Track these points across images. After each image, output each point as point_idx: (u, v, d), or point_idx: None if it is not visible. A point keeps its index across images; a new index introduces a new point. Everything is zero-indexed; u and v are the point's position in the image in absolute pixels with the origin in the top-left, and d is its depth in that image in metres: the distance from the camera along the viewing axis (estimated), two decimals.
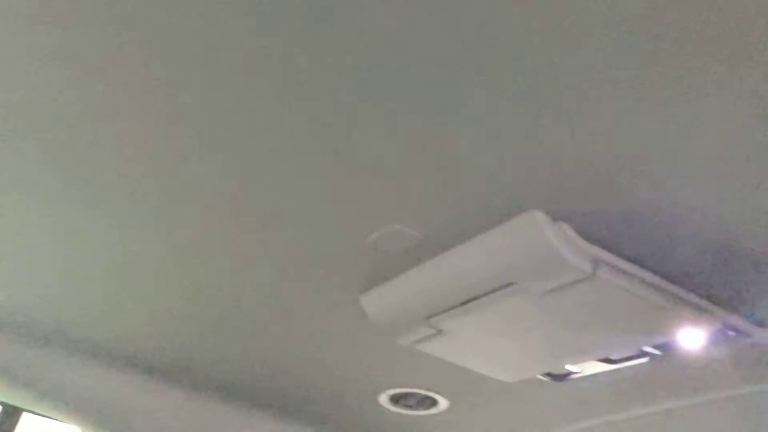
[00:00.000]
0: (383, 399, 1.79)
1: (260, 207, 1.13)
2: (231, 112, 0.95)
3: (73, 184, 1.12)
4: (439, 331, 1.28)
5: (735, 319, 1.21)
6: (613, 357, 1.38)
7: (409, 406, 1.84)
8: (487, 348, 1.34)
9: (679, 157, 0.93)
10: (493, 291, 1.14)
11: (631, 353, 1.34)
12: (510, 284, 1.11)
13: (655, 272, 1.12)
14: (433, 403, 1.80)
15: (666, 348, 1.30)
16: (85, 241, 1.27)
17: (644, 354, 1.35)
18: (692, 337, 1.24)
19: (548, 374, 1.52)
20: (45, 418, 1.88)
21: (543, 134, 0.92)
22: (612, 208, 1.03)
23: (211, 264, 1.31)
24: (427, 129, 0.94)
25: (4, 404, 1.87)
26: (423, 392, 1.76)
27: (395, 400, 1.81)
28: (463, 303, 1.19)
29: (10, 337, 1.60)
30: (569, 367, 1.45)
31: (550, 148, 0.94)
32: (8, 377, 1.63)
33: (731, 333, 1.24)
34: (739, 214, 1.01)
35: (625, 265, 1.08)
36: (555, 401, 1.68)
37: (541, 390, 1.63)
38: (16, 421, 1.99)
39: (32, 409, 1.81)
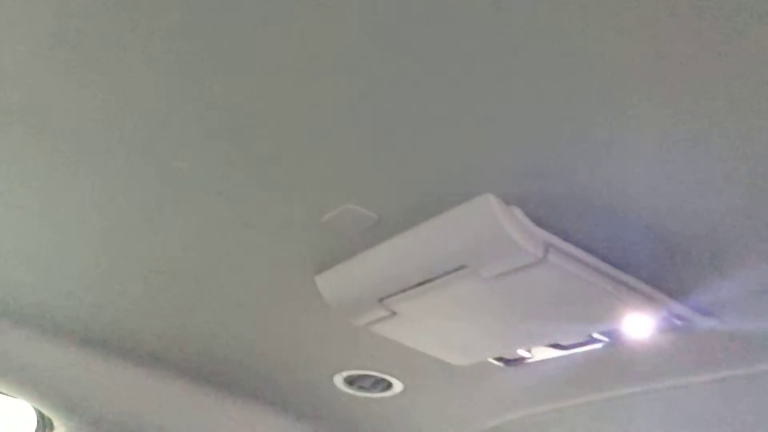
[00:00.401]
0: (338, 380, 1.80)
1: (214, 184, 1.12)
2: (187, 93, 0.94)
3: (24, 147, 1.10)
4: (393, 313, 1.29)
5: (681, 308, 1.23)
6: (563, 343, 1.40)
7: (365, 389, 1.84)
8: (439, 331, 1.35)
9: (629, 147, 0.94)
10: (446, 274, 1.15)
11: (581, 339, 1.37)
12: (462, 267, 1.12)
13: (604, 259, 1.14)
14: (388, 386, 1.82)
15: (614, 335, 1.33)
16: (29, 212, 1.25)
17: (594, 340, 1.37)
18: (640, 325, 1.27)
19: (500, 359, 1.54)
20: None
21: (496, 119, 0.92)
22: (564, 194, 1.04)
23: (163, 237, 1.29)
24: (381, 111, 0.93)
25: None
26: (378, 375, 1.77)
27: (350, 381, 1.81)
28: (417, 285, 1.20)
29: None
30: (520, 352, 1.47)
31: (504, 133, 0.94)
32: None
33: (678, 322, 1.27)
34: (686, 206, 1.03)
35: (575, 250, 1.09)
36: (507, 386, 1.70)
37: (494, 375, 1.65)
38: None
39: None
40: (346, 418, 2.01)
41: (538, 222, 1.08)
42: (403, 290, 1.22)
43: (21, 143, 1.08)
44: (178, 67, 0.91)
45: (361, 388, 1.84)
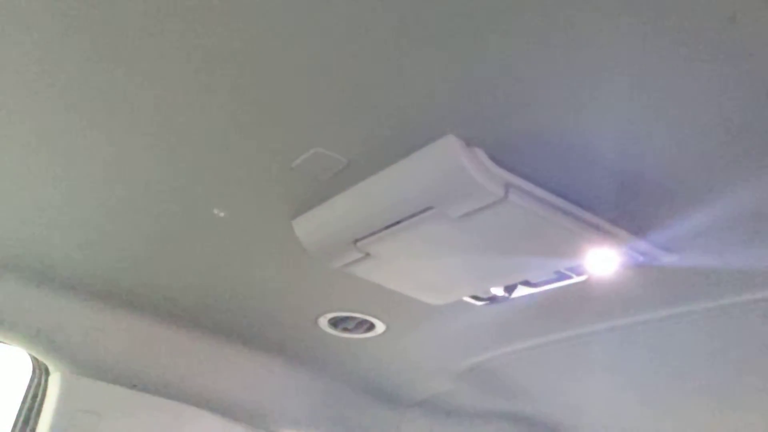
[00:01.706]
0: (322, 322, 1.86)
1: (190, 133, 1.15)
2: (162, 48, 0.96)
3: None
4: (367, 255, 1.34)
5: (642, 244, 1.28)
6: (533, 280, 1.45)
7: (348, 330, 1.91)
8: (413, 271, 1.40)
9: (587, 87, 0.97)
10: (413, 215, 1.19)
11: (548, 277, 1.42)
12: (428, 208, 1.16)
13: (566, 198, 1.18)
14: (371, 326, 1.88)
15: (580, 271, 1.38)
16: (30, 174, 1.29)
17: (562, 277, 1.42)
18: (604, 261, 1.32)
19: (475, 297, 1.60)
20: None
21: (457, 61, 0.95)
22: (526, 135, 1.08)
23: (144, 187, 1.33)
24: (346, 59, 0.96)
25: None
26: (361, 316, 1.83)
27: (334, 323, 1.88)
28: (387, 227, 1.24)
29: None
30: (493, 291, 1.53)
31: (466, 75, 0.97)
32: None
33: (641, 257, 1.32)
34: (648, 147, 1.06)
35: (536, 190, 1.13)
36: (484, 325, 1.76)
37: (470, 313, 1.71)
38: None
39: None
40: (331, 358, 2.08)
41: (501, 163, 1.11)
42: (375, 232, 1.26)
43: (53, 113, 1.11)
44: (171, 28, 0.93)
45: (344, 329, 1.90)
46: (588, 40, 0.89)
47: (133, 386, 1.85)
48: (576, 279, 1.41)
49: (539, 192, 1.14)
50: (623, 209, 1.21)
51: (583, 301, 1.57)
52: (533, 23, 0.88)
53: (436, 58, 0.95)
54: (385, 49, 0.94)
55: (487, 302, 1.60)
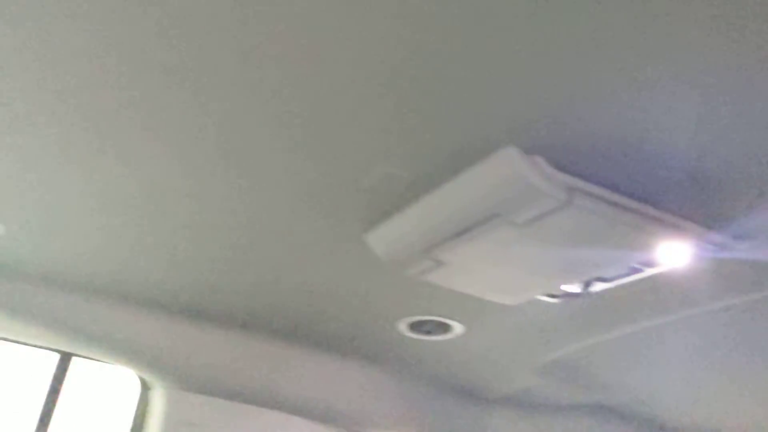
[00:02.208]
0: (402, 327, 1.92)
1: (268, 162, 1.23)
2: (234, 72, 1.04)
3: (101, 144, 1.23)
4: (439, 262, 1.39)
5: (714, 236, 1.28)
6: (605, 276, 1.46)
7: (427, 332, 1.96)
8: (484, 275, 1.44)
9: (659, 92, 0.98)
10: (481, 223, 1.23)
11: (621, 272, 1.43)
12: (495, 216, 1.20)
13: (632, 196, 1.19)
14: (449, 328, 1.93)
15: (653, 264, 1.38)
16: (118, 202, 1.40)
17: (635, 271, 1.43)
18: (676, 254, 1.32)
19: (550, 295, 1.62)
20: (94, 362, 2.08)
21: (516, 76, 0.99)
22: (587, 139, 1.10)
23: (231, 213, 1.43)
24: (407, 82, 1.01)
25: (60, 351, 2.05)
26: (439, 319, 1.88)
27: (413, 327, 1.93)
28: (456, 235, 1.29)
29: (65, 290, 1.77)
30: (566, 288, 1.55)
31: (524, 88, 1.01)
32: (64, 327, 1.81)
33: (712, 249, 1.31)
34: (718, 141, 1.07)
35: (599, 190, 1.15)
36: (562, 319, 1.78)
37: (547, 310, 1.73)
38: (69, 366, 2.18)
39: (84, 354, 2.01)
40: (413, 360, 2.14)
41: (563, 168, 1.14)
42: (445, 241, 1.31)
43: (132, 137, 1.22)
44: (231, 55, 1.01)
45: (424, 332, 1.96)
46: (658, 46, 0.91)
47: (230, 397, 1.97)
48: (649, 272, 1.42)
49: (604, 193, 1.16)
50: (694, 203, 1.22)
51: (658, 293, 1.57)
52: (597, 35, 0.91)
53: (495, 74, 0.99)
54: (445, 68, 0.99)
55: (563, 299, 1.62)
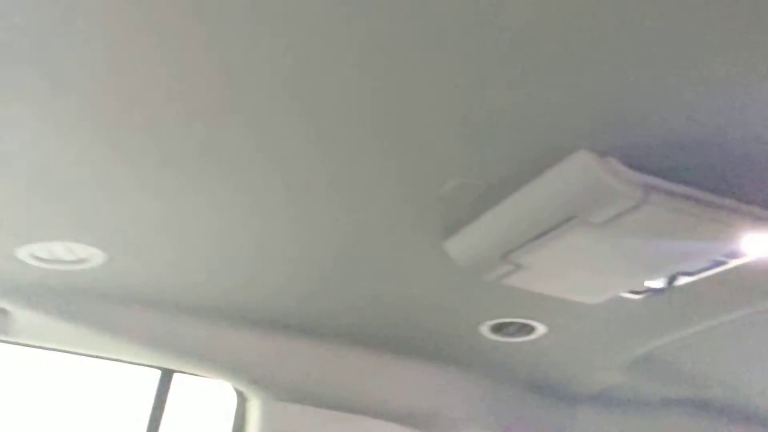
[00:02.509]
0: (484, 330, 1.95)
1: (354, 179, 1.30)
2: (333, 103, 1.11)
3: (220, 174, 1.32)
4: (518, 266, 1.41)
5: None
6: (689, 270, 1.45)
7: (510, 334, 1.98)
8: (564, 276, 1.45)
9: (740, 91, 0.99)
10: (558, 225, 1.25)
11: (705, 265, 1.42)
12: (572, 218, 1.22)
13: (710, 189, 1.19)
14: (532, 329, 1.94)
15: (738, 255, 1.37)
16: (224, 224, 1.50)
17: (719, 263, 1.42)
18: (760, 244, 1.30)
19: (633, 291, 1.62)
20: (195, 377, 2.20)
21: (590, 81, 1.01)
22: (662, 137, 1.11)
23: (319, 232, 1.50)
24: (478, 89, 1.05)
25: (161, 368, 2.19)
26: (521, 320, 1.90)
27: (495, 329, 1.96)
28: (534, 239, 1.31)
29: (166, 311, 1.89)
30: (649, 284, 1.54)
31: (597, 92, 1.03)
32: (166, 345, 1.93)
33: None
34: None
35: (676, 187, 1.16)
36: (646, 315, 1.77)
37: (631, 306, 1.73)
38: (170, 382, 2.31)
39: (186, 371, 2.13)
40: (497, 362, 2.16)
41: (637, 167, 1.15)
42: (523, 245, 1.34)
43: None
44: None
45: (506, 334, 1.98)
46: (729, 42, 0.92)
47: (323, 405, 2.05)
48: (735, 263, 1.40)
49: (681, 189, 1.16)
50: None
51: (745, 283, 1.54)
52: (667, 33, 0.92)
53: (567, 78, 1.01)
54: (519, 75, 1.02)
55: (647, 295, 1.62)
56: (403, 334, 2.01)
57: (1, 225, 1.55)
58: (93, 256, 1.66)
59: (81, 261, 1.69)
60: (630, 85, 1.01)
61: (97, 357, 2.28)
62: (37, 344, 2.15)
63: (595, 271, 1.42)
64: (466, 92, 1.06)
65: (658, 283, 1.57)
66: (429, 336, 2.02)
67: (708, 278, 1.50)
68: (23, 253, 1.65)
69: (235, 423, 2.08)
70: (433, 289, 1.73)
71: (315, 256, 1.61)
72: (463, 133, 1.15)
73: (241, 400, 2.10)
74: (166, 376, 2.17)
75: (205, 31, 0.97)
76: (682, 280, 1.52)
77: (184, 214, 1.47)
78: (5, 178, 1.36)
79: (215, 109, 1.13)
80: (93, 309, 1.90)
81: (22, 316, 1.94)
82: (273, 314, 1.92)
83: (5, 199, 1.44)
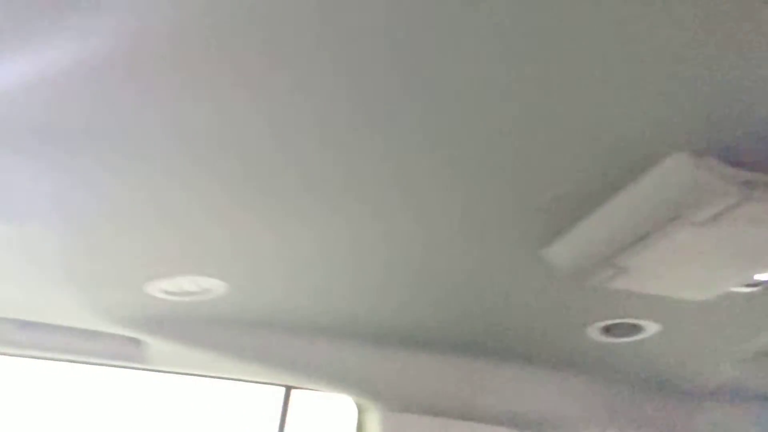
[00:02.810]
0: (593, 332, 1.95)
1: (469, 198, 1.36)
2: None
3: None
4: (622, 269, 1.42)
5: None
6: None
7: (620, 335, 1.97)
8: (671, 275, 1.45)
9: None
10: (660, 226, 1.26)
11: None
12: (674, 218, 1.23)
13: None
14: (643, 328, 1.93)
15: None
16: (349, 250, 1.59)
17: None
18: None
19: (745, 284, 1.59)
20: (314, 392, 2.32)
21: (689, 84, 1.02)
22: (756, 132, 1.11)
23: (428, 249, 1.58)
24: (568, 99, 1.08)
25: (283, 385, 2.32)
26: (631, 321, 1.89)
27: (605, 331, 1.96)
28: (636, 241, 1.33)
29: (286, 332, 2.01)
30: (758, 277, 1.51)
31: (696, 96, 1.04)
32: (286, 364, 2.06)
33: None
34: None
35: None
36: (758, 309, 1.73)
37: (743, 300, 1.69)
38: (290, 398, 2.44)
39: (303, 386, 2.25)
40: (607, 363, 2.16)
41: (738, 164, 1.15)
42: (625, 248, 1.35)
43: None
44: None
45: (616, 335, 1.97)
46: None
47: (438, 413, 2.12)
48: None
49: None
50: None
51: None
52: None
53: (663, 78, 1.02)
54: (616, 79, 1.03)
55: (760, 287, 1.59)
56: (512, 341, 2.05)
57: (132, 263, 1.70)
58: (215, 286, 1.79)
59: (205, 292, 1.83)
60: (728, 83, 1.02)
61: (221, 378, 2.44)
62: (167, 370, 2.33)
63: (701, 268, 1.41)
64: (571, 103, 1.08)
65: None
66: (537, 341, 2.04)
67: None
68: (152, 288, 1.80)
69: None
70: (535, 296, 1.76)
71: (433, 274, 1.69)
72: (564, 143, 1.18)
73: (361, 412, 2.20)
74: (287, 392, 2.30)
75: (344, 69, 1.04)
76: None
77: (299, 242, 1.57)
78: (135, 222, 1.50)
79: (353, 143, 1.21)
80: (217, 334, 2.04)
81: (153, 345, 2.11)
82: (391, 329, 2.01)
83: (135, 241, 1.58)
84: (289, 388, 2.31)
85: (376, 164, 1.26)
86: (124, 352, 2.13)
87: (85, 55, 0.98)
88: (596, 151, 1.19)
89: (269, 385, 2.43)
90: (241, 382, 2.52)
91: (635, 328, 1.94)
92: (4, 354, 2.28)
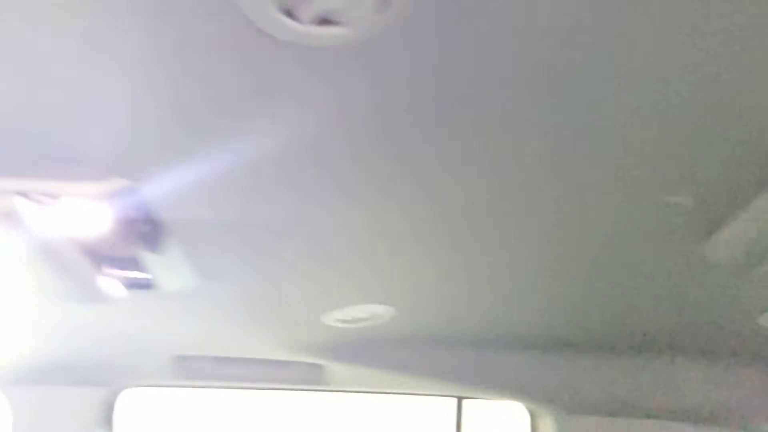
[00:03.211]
0: (764, 320, 1.90)
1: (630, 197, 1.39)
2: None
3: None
4: None
5: None
6: None
7: None
8: None
9: None
10: None
11: None
12: None
13: None
14: None
15: None
16: (500, 266, 1.68)
17: None
18: None
19: None
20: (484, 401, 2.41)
21: None
22: None
23: (593, 259, 1.63)
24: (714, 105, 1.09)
25: (454, 396, 2.43)
26: None
27: None
28: None
29: (455, 345, 2.11)
30: None
31: None
32: (458, 376, 2.16)
33: None
34: None
35: None
36: None
37: None
38: (462, 408, 2.54)
39: (477, 396, 2.35)
40: None
41: None
42: None
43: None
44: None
45: None
46: None
47: (615, 414, 2.13)
48: None
49: None
50: None
51: None
52: None
53: None
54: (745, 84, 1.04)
55: None
56: (682, 336, 2.03)
57: (311, 298, 1.88)
58: (384, 311, 1.94)
59: (374, 317, 1.98)
60: None
61: (395, 393, 2.59)
62: (346, 389, 2.51)
63: None
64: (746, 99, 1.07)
65: None
66: (708, 334, 2.01)
67: None
68: (328, 318, 1.98)
69: None
70: (706, 288, 1.74)
71: (599, 276, 1.73)
72: (731, 136, 1.17)
73: (534, 417, 2.26)
74: (458, 403, 2.40)
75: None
76: None
77: (458, 265, 1.67)
78: (315, 260, 1.66)
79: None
80: (389, 354, 2.19)
81: (331, 368, 2.29)
82: (555, 334, 2.06)
83: (312, 278, 1.75)
84: (460, 399, 2.41)
85: (536, 192, 1.34)
86: (307, 377, 2.32)
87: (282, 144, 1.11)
88: (762, 142, 1.19)
89: (440, 397, 2.55)
90: (413, 396, 2.66)
91: None
92: (202, 387, 2.56)
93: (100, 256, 1.40)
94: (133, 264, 1.47)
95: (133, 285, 1.57)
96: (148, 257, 1.44)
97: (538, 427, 2.25)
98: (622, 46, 0.95)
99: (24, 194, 1.12)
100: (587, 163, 1.24)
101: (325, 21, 0.85)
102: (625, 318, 1.95)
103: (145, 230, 1.31)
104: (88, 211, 1.19)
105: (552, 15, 0.87)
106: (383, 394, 2.57)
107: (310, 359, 2.23)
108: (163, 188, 1.15)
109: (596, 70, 0.99)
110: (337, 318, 1.98)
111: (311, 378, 2.32)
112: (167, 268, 1.52)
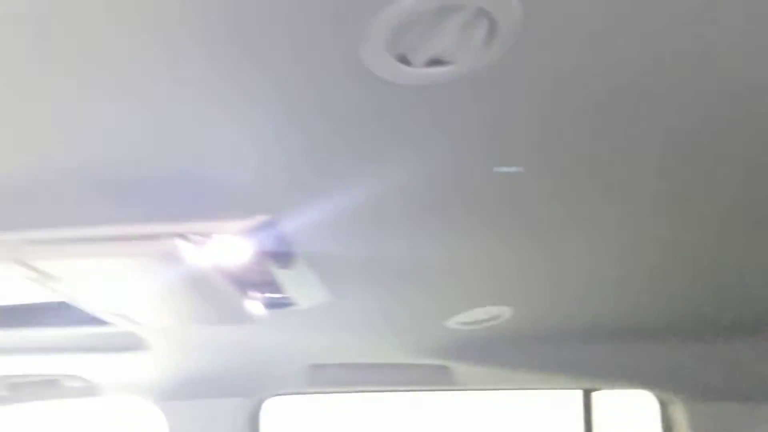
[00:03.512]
0: None
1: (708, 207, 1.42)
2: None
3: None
4: None
5: None
6: None
7: None
8: None
9: None
10: None
11: None
12: None
13: None
14: None
15: None
16: (616, 261, 1.70)
17: None
18: None
19: None
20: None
21: None
22: None
23: (706, 249, 1.64)
24: None
25: (582, 389, 2.45)
26: None
27: None
28: None
29: (581, 340, 2.15)
30: None
31: None
32: (586, 368, 2.19)
33: None
34: None
35: None
36: None
37: None
38: (591, 401, 2.56)
39: (605, 388, 2.37)
40: None
41: None
42: None
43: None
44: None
45: None
46: None
47: (746, 399, 2.11)
48: None
49: None
50: None
51: None
52: None
53: None
54: None
55: None
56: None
57: (434, 305, 1.97)
58: (503, 312, 2.00)
59: (494, 318, 2.04)
60: None
61: (522, 389, 2.64)
62: (472, 388, 2.59)
63: None
64: None
65: None
66: None
67: None
68: (451, 322, 2.06)
69: (663, 427, 2.24)
70: None
71: (715, 264, 1.73)
72: None
73: (664, 405, 2.26)
74: (587, 396, 2.43)
75: None
76: None
77: (569, 262, 1.71)
78: (437, 272, 1.74)
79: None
80: (511, 351, 2.25)
81: (456, 368, 2.38)
82: (680, 323, 2.05)
83: (434, 288, 1.84)
84: (588, 392, 2.43)
85: (654, 188, 1.36)
86: (434, 378, 2.42)
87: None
88: None
89: (566, 390, 2.58)
90: (536, 391, 2.70)
91: None
92: (335, 392, 2.71)
93: (245, 281, 1.56)
94: (273, 286, 1.62)
95: (273, 305, 1.72)
96: (285, 280, 1.58)
97: (670, 416, 2.24)
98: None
99: (182, 236, 1.27)
100: (712, 156, 1.26)
101: (436, 62, 0.94)
102: (749, 302, 1.92)
103: (283, 257, 1.45)
104: (235, 245, 1.33)
105: (643, 41, 0.91)
106: (506, 391, 2.63)
107: (435, 361, 2.33)
108: (297, 222, 1.28)
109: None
110: (460, 321, 2.06)
111: (437, 378, 2.41)
112: (301, 288, 1.66)
